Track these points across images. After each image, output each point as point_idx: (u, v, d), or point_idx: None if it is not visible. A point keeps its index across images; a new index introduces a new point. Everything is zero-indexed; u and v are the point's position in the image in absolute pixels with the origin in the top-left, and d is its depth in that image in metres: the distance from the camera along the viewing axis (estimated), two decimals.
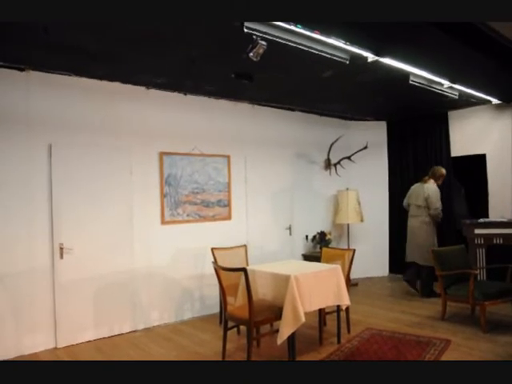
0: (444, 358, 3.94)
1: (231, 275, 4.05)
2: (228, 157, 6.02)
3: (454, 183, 7.08)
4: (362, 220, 7.16)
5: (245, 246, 5.58)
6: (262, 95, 5.97)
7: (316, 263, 4.77)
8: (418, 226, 6.22)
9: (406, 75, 4.74)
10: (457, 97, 5.63)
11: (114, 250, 4.92)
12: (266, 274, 4.21)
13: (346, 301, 4.35)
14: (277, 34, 3.40)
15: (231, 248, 5.41)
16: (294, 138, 6.97)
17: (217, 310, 5.38)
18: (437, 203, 6.01)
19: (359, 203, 7.17)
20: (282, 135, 6.79)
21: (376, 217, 7.63)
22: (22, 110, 4.39)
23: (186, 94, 5.62)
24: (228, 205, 6.02)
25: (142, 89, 5.24)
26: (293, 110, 6.87)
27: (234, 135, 6.16)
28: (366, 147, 7.22)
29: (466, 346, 4.21)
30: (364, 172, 7.65)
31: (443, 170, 6.25)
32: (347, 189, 7.24)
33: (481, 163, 6.62)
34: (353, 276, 5.53)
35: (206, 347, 4.46)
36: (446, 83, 5.17)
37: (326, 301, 4.22)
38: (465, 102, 6.28)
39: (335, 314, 4.52)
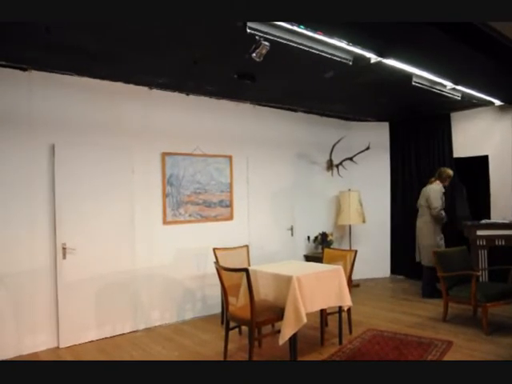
0: (446, 359, 3.93)
1: (233, 275, 4.05)
2: (230, 157, 6.03)
3: (456, 184, 7.07)
4: (363, 221, 7.15)
5: (246, 246, 5.58)
6: (264, 95, 5.97)
7: (318, 264, 4.77)
8: (421, 227, 6.26)
9: (408, 76, 4.73)
10: (459, 98, 5.62)
11: (115, 250, 4.93)
12: (268, 274, 4.21)
13: (347, 302, 4.34)
14: (279, 34, 3.39)
15: (233, 248, 5.41)
16: (296, 139, 6.97)
17: (218, 310, 5.38)
18: (435, 203, 6.00)
19: (361, 204, 7.17)
20: (284, 136, 6.79)
21: (378, 218, 7.62)
22: (24, 110, 4.40)
23: (188, 95, 5.63)
24: (230, 205, 6.02)
25: (145, 89, 5.24)
26: (295, 110, 6.87)
27: (236, 135, 6.17)
28: (368, 148, 7.21)
29: (467, 348, 4.20)
30: (366, 173, 7.65)
31: (449, 171, 6.23)
32: (349, 190, 7.23)
33: (483, 165, 6.61)
34: (354, 277, 5.53)
35: (208, 347, 4.46)
36: (449, 84, 5.16)
37: (328, 302, 4.22)
38: (467, 104, 6.27)
39: (337, 315, 4.52)
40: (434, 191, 6.08)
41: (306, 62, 4.32)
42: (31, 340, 4.38)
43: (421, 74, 4.73)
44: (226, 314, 4.13)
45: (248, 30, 3.23)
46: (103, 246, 4.82)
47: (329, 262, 4.90)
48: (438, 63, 4.50)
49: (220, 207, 5.91)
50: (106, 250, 4.85)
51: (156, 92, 5.34)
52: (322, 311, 4.44)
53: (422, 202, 6.29)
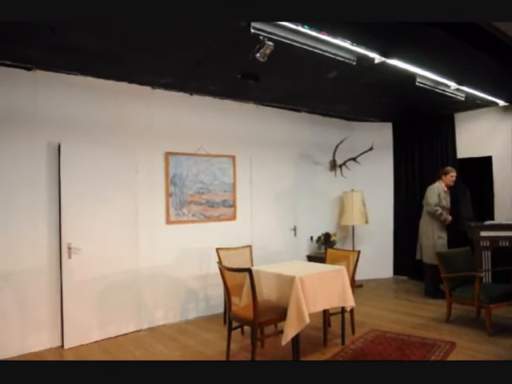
0: (449, 360, 3.92)
1: (236, 275, 4.05)
2: (233, 157, 6.03)
3: (460, 185, 7.05)
4: (367, 221, 7.15)
5: (249, 246, 5.58)
6: (267, 96, 5.98)
7: (321, 264, 4.76)
8: (421, 225, 6.36)
9: (412, 76, 4.72)
10: (463, 99, 5.61)
11: (119, 250, 4.93)
12: (271, 274, 4.21)
13: (350, 302, 4.34)
14: (284, 34, 3.40)
15: (236, 248, 5.41)
16: (299, 139, 6.97)
17: (221, 310, 5.39)
18: (430, 199, 6.09)
19: (364, 205, 7.16)
20: (287, 136, 6.79)
21: (381, 218, 7.61)
22: (29, 110, 4.42)
23: (191, 94, 5.64)
24: (233, 205, 6.02)
25: (148, 89, 5.26)
26: (298, 110, 6.87)
27: (240, 136, 6.17)
28: (371, 148, 7.20)
29: (470, 349, 4.19)
30: (369, 173, 7.63)
31: (447, 168, 6.29)
32: (352, 190, 7.23)
33: (487, 165, 6.59)
34: (357, 277, 5.52)
35: (210, 347, 4.47)
36: (453, 85, 5.15)
37: (331, 302, 4.21)
38: (471, 104, 6.25)
39: (340, 315, 4.52)
40: (432, 188, 6.19)
41: (310, 62, 4.32)
42: (35, 339, 4.39)
43: (424, 75, 4.71)
44: (228, 313, 4.13)
45: (252, 30, 3.23)
46: (107, 246, 4.83)
47: (332, 263, 4.90)
48: (442, 63, 4.49)
49: (223, 207, 5.92)
50: (110, 249, 4.85)
51: (159, 92, 5.36)
52: (325, 311, 4.44)
53: (424, 200, 6.35)
